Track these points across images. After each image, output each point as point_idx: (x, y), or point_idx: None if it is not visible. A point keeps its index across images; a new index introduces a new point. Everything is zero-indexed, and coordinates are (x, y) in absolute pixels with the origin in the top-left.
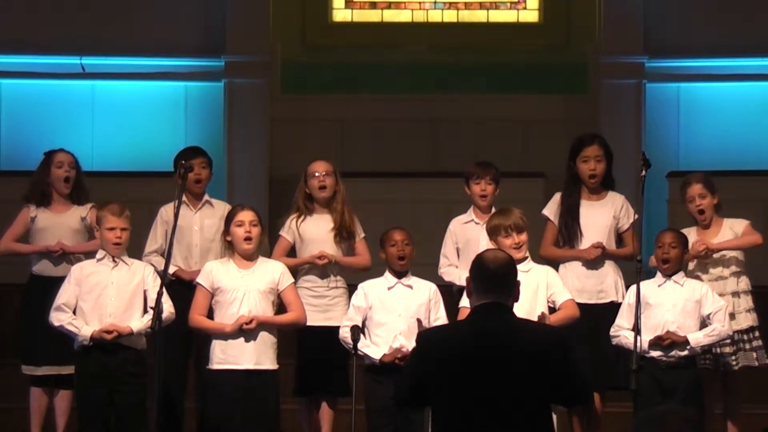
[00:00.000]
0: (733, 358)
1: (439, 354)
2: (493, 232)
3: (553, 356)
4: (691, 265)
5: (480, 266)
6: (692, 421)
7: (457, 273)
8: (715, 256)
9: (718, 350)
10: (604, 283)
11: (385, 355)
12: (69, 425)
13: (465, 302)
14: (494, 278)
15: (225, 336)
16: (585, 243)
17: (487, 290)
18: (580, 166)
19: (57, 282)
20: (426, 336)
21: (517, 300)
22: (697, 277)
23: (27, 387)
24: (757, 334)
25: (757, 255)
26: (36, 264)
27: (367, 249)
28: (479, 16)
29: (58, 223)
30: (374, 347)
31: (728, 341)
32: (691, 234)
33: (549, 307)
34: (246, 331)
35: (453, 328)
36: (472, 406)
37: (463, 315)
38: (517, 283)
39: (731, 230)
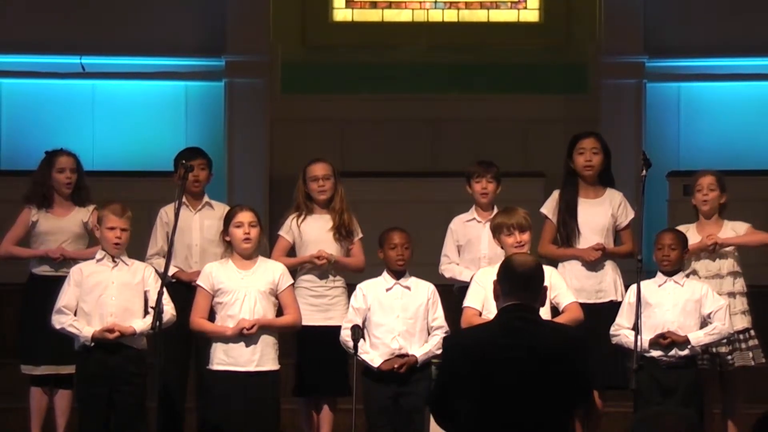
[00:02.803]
0: (730, 357)
1: (466, 355)
2: (496, 230)
3: (571, 356)
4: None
5: (508, 269)
6: (690, 421)
7: (457, 269)
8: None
9: (715, 350)
10: (603, 283)
11: (384, 362)
12: (69, 425)
13: (468, 302)
14: (521, 281)
15: (226, 339)
16: (583, 241)
17: (513, 292)
18: (576, 158)
19: (57, 282)
20: (452, 339)
21: (543, 304)
22: (694, 272)
23: (27, 387)
24: (752, 333)
25: (753, 254)
26: (36, 264)
27: (362, 251)
28: (480, 15)
29: (60, 227)
30: (373, 353)
31: (724, 341)
32: (690, 230)
33: (552, 309)
34: (247, 335)
35: (479, 329)
36: (498, 405)
37: (466, 315)
38: (544, 288)
39: (732, 231)
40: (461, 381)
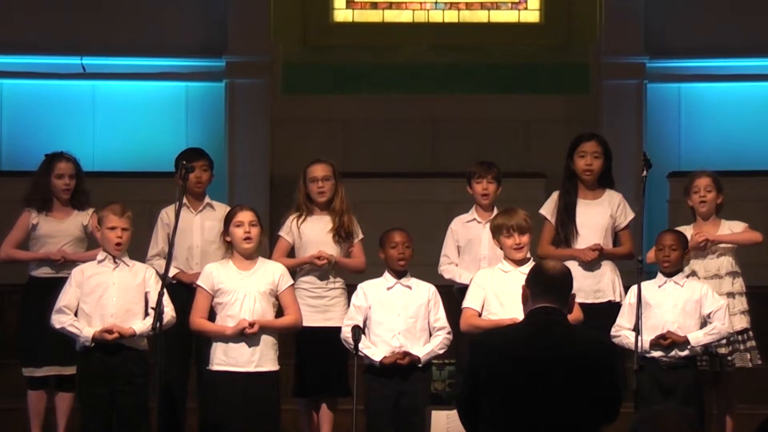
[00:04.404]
0: (729, 359)
1: (494, 356)
2: (496, 231)
3: (599, 362)
4: (687, 268)
5: (538, 272)
6: (690, 420)
7: (457, 271)
8: (711, 255)
9: (715, 351)
10: (601, 283)
11: (385, 357)
12: (69, 425)
13: (467, 303)
14: (551, 285)
15: (226, 339)
16: (581, 242)
17: (542, 295)
18: (577, 161)
19: (56, 283)
20: (480, 339)
21: (571, 311)
22: (693, 273)
23: (26, 389)
24: (751, 334)
25: (753, 255)
26: (35, 266)
27: (362, 251)
28: (480, 16)
29: (60, 230)
30: (374, 348)
31: (724, 342)
32: (688, 231)
33: None
34: (247, 335)
35: (507, 330)
36: (525, 406)
37: (465, 316)
38: (572, 295)
39: (729, 230)
40: (489, 381)
